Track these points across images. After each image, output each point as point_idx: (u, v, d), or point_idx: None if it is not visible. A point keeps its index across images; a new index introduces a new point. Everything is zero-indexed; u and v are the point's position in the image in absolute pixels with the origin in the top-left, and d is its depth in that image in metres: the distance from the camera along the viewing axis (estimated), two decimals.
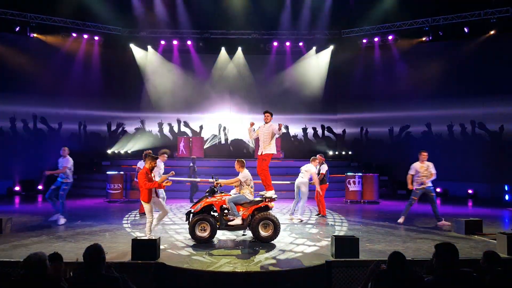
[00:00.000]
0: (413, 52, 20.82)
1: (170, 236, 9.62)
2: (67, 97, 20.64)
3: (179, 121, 23.24)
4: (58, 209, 11.24)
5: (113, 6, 20.51)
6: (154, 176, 8.65)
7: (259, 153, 9.87)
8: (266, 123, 9.92)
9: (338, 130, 23.57)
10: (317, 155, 12.88)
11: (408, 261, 4.93)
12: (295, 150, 22.37)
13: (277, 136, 9.85)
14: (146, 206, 8.44)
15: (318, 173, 12.51)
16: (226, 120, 23.38)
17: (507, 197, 16.74)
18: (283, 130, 9.66)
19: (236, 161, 9.55)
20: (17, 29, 19.25)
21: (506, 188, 16.87)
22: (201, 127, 23.25)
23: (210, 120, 23.32)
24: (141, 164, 12.31)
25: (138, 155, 19.48)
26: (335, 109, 23.57)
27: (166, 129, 23.34)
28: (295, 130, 23.46)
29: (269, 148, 9.67)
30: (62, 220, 11.09)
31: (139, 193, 14.34)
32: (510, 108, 18.17)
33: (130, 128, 23.20)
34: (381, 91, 21.66)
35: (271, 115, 10.09)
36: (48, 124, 20.18)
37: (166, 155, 11.98)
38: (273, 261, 7.56)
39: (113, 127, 22.70)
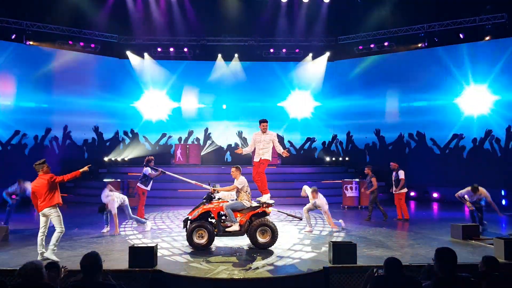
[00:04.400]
0: (409, 58, 20.90)
1: (167, 243, 9.60)
2: (64, 105, 20.53)
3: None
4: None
5: (109, 13, 20.52)
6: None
7: (256, 160, 9.79)
8: (263, 132, 9.78)
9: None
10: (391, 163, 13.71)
11: (405, 266, 4.94)
12: (292, 157, 22.30)
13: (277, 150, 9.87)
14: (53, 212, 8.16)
15: (397, 179, 13.39)
16: (223, 127, 23.38)
17: (504, 202, 16.75)
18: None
19: (234, 168, 9.49)
20: (13, 36, 19.19)
21: (503, 193, 16.90)
22: (190, 133, 23.13)
23: (207, 128, 23.30)
24: (146, 170, 12.35)
25: (135, 162, 19.41)
26: (332, 116, 23.52)
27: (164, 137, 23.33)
28: (292, 136, 23.42)
29: (268, 155, 9.65)
30: None
31: (135, 200, 14.27)
32: None
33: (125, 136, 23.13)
34: (377, 97, 21.71)
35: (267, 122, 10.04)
36: (45, 133, 20.09)
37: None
38: (271, 267, 7.55)
39: (110, 135, 22.59)
